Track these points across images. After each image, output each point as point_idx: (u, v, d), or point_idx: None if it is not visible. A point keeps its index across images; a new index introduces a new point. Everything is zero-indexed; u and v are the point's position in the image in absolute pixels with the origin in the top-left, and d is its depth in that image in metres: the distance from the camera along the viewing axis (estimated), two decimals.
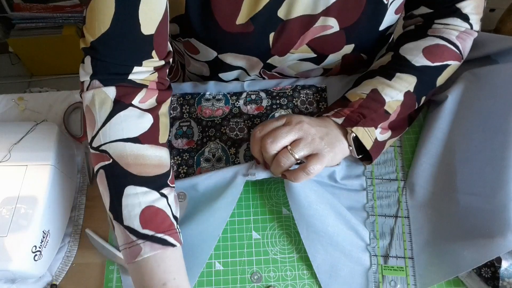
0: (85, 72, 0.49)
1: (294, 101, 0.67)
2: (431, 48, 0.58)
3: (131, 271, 0.47)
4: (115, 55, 0.49)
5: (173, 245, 0.47)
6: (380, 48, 0.73)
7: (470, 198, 0.54)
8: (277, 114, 0.66)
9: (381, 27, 0.62)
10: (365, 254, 0.55)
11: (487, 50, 0.64)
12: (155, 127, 0.51)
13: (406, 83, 0.57)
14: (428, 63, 0.57)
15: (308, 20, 0.58)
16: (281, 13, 0.57)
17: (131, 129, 0.49)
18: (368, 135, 0.55)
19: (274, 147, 0.51)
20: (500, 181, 0.52)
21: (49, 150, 0.57)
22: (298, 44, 0.62)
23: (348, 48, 0.65)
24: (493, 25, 1.58)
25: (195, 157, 0.63)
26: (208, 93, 0.69)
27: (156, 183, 0.49)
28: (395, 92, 0.56)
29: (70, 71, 1.83)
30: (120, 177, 0.47)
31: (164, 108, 0.54)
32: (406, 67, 0.58)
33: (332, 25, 0.59)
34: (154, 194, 0.48)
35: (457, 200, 0.55)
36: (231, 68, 0.68)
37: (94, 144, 0.49)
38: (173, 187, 0.53)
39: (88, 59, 0.49)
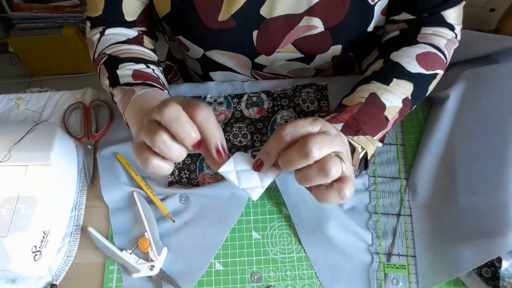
0: (87, 28, 0.66)
1: (295, 100, 0.67)
2: (424, 55, 0.56)
3: (127, 114, 0.53)
4: (105, 24, 0.63)
5: (161, 89, 0.56)
6: (371, 49, 0.71)
7: (471, 198, 0.54)
8: (279, 116, 0.66)
9: (369, 28, 0.61)
10: (367, 255, 0.55)
11: (487, 50, 0.64)
12: (139, 36, 0.65)
13: (403, 89, 0.55)
14: (423, 70, 0.55)
15: (292, 20, 0.58)
16: (263, 11, 0.58)
17: (119, 38, 0.62)
18: (372, 143, 0.51)
19: (320, 153, 0.41)
20: (500, 180, 0.52)
21: (49, 150, 0.57)
22: (283, 44, 0.62)
23: (335, 50, 0.64)
24: (493, 25, 1.58)
25: (198, 162, 0.63)
26: (209, 96, 0.69)
27: (142, 60, 0.60)
28: (394, 98, 0.54)
29: (70, 71, 1.83)
30: (113, 62, 0.59)
31: (149, 39, 0.67)
32: (402, 73, 0.55)
33: (317, 25, 0.59)
34: (141, 65, 0.59)
35: (457, 200, 0.55)
36: (221, 67, 0.68)
37: (95, 56, 0.62)
38: (160, 69, 0.63)
39: (88, 22, 0.65)
